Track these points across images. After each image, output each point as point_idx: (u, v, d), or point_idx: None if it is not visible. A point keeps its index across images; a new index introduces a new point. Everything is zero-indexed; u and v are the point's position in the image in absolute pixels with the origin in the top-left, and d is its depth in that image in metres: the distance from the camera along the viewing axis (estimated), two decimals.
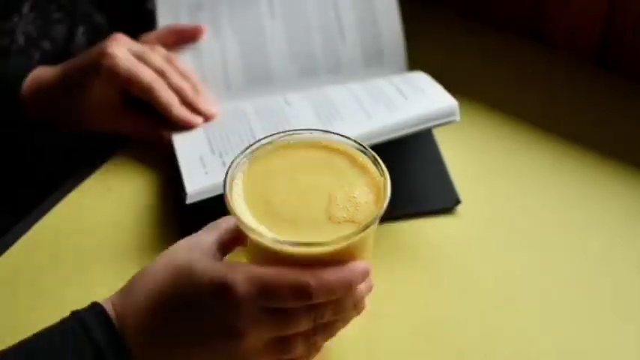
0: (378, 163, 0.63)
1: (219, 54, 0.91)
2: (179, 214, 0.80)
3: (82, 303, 0.72)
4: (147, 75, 0.82)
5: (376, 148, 0.84)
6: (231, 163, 0.63)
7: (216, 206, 0.79)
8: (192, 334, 0.59)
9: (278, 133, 0.65)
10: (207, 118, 0.86)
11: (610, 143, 0.87)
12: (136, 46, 0.85)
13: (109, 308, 0.60)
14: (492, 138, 0.89)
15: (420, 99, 0.81)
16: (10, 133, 0.83)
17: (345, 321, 0.63)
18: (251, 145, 0.64)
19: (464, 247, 0.78)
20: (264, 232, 0.59)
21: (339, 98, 0.85)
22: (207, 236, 0.62)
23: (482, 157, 0.87)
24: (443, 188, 0.82)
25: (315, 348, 0.62)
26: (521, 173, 0.85)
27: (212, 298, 0.57)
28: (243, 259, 0.64)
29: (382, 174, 0.62)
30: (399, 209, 0.80)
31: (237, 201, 0.61)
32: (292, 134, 0.65)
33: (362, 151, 0.64)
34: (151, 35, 0.89)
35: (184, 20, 0.92)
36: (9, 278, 0.75)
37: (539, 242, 0.78)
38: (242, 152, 0.64)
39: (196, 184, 0.78)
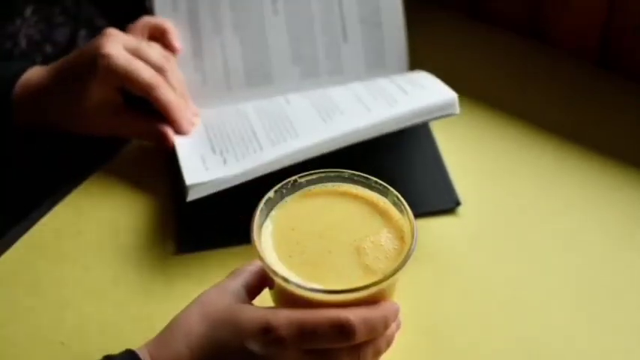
0: (400, 202, 0.64)
1: (220, 54, 0.90)
2: (179, 215, 0.80)
3: (82, 303, 0.72)
4: (145, 72, 0.80)
5: (376, 149, 0.84)
6: (256, 210, 0.63)
7: (214, 214, 0.79)
8: None
9: (304, 175, 0.66)
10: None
11: (610, 143, 0.87)
12: (130, 41, 0.82)
13: (144, 356, 0.60)
14: (492, 138, 0.89)
15: (420, 92, 0.81)
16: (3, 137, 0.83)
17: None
18: (276, 189, 0.65)
19: (464, 248, 0.77)
20: (299, 282, 0.59)
21: (338, 95, 0.85)
22: (235, 282, 0.62)
23: (483, 157, 0.86)
24: (443, 190, 0.81)
25: None
26: (522, 173, 0.85)
27: (255, 342, 0.58)
28: (271, 303, 0.64)
29: (405, 213, 0.63)
30: None
31: (267, 250, 0.62)
32: (311, 176, 0.66)
33: (382, 193, 0.65)
34: (136, 25, 0.87)
35: (182, 7, 0.90)
36: (9, 278, 0.75)
37: (539, 242, 0.78)
38: (266, 198, 0.64)
39: (196, 179, 0.78)
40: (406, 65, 0.92)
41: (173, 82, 0.83)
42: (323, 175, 0.66)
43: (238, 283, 0.62)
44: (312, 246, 0.62)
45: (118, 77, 0.80)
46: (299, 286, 0.59)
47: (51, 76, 0.82)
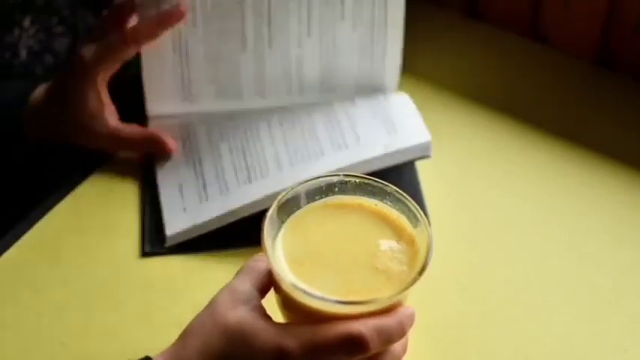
0: (416, 210, 0.61)
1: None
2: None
3: (82, 303, 0.73)
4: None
5: None
6: (265, 219, 0.60)
7: None
8: None
9: (307, 181, 0.63)
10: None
11: (609, 143, 0.87)
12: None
13: None
14: (492, 137, 0.89)
15: (398, 132, 0.80)
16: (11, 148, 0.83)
17: None
18: (282, 198, 0.62)
19: (463, 248, 0.78)
20: (324, 296, 0.57)
21: (321, 131, 0.83)
22: (245, 285, 0.60)
23: (482, 157, 0.86)
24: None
25: None
26: (520, 173, 0.85)
27: None
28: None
29: (422, 223, 0.61)
30: None
31: (280, 262, 0.60)
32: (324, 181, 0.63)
33: (401, 210, 0.63)
34: None
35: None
36: (9, 278, 0.75)
37: (538, 243, 0.78)
38: (274, 206, 0.61)
39: (175, 228, 0.78)
40: (396, 86, 0.87)
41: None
42: (346, 183, 0.64)
43: (249, 285, 0.60)
44: (326, 255, 0.61)
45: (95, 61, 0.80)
46: (323, 299, 0.57)
47: (45, 91, 0.83)
